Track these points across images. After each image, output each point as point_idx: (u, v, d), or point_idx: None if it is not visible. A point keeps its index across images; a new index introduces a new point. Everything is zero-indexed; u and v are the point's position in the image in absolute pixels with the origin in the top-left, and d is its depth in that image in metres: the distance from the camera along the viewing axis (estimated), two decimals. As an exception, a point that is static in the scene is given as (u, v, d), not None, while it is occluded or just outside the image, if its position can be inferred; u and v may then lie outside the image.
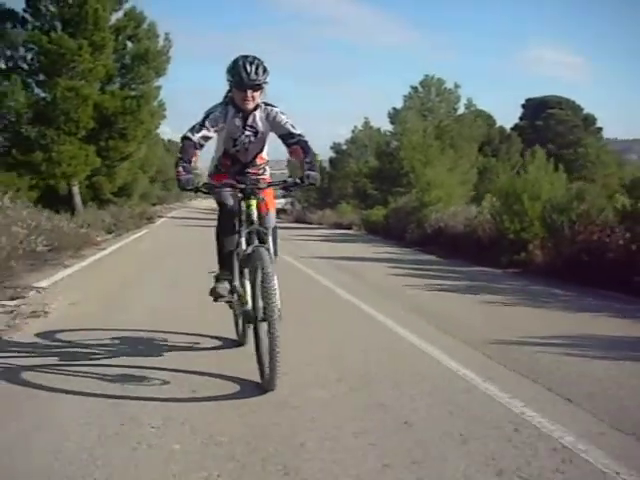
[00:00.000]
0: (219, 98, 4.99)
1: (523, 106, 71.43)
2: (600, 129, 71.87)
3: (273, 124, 4.95)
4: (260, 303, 4.44)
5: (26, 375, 4.66)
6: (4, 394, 4.26)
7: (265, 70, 4.77)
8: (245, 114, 4.92)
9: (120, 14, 19.90)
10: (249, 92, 4.74)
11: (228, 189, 4.90)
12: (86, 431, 3.60)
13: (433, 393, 4.41)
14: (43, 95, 18.66)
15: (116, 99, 19.20)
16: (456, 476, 3.11)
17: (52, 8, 18.49)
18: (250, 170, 5.23)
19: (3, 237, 9.68)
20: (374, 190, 30.49)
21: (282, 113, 4.97)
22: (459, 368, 5.04)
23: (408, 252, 17.68)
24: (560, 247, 11.72)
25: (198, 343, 5.70)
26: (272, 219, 5.11)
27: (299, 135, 4.91)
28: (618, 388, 4.67)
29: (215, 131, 4.90)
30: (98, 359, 5.18)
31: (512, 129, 66.69)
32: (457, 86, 40.62)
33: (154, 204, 50.17)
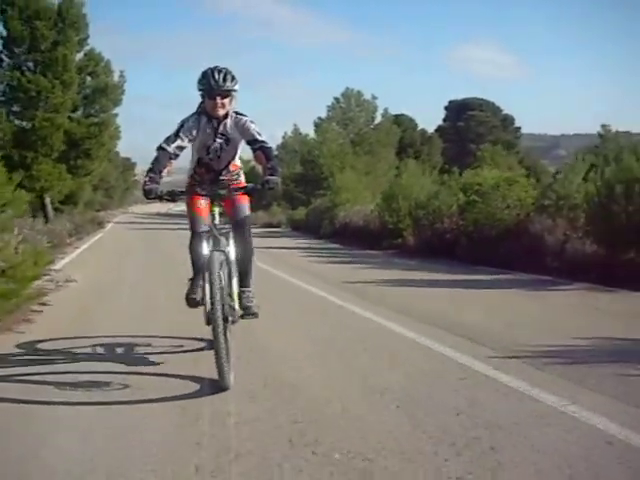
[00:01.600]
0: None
1: (446, 108, 76.06)
2: (518, 128, 77.00)
3: (242, 131, 5.10)
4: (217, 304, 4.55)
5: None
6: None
7: (233, 78, 4.97)
8: (217, 122, 5.08)
9: (81, 54, 24.01)
10: (218, 99, 4.92)
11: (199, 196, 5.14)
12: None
13: (313, 307, 8.26)
14: (23, 124, 22.66)
15: (82, 126, 23.22)
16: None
17: (26, 52, 22.43)
18: (224, 177, 5.40)
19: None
20: (299, 193, 34.78)
21: (251, 122, 5.12)
22: (325, 295, 9.03)
23: (320, 243, 22.15)
24: (421, 233, 16.44)
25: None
26: (243, 209, 5.28)
27: (262, 142, 5.06)
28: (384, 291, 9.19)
29: (189, 141, 5.07)
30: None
31: (435, 130, 71.25)
32: (374, 97, 45.01)
33: (97, 210, 52.20)
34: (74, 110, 23.84)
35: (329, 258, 15.70)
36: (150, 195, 4.77)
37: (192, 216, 5.13)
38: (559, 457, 3.23)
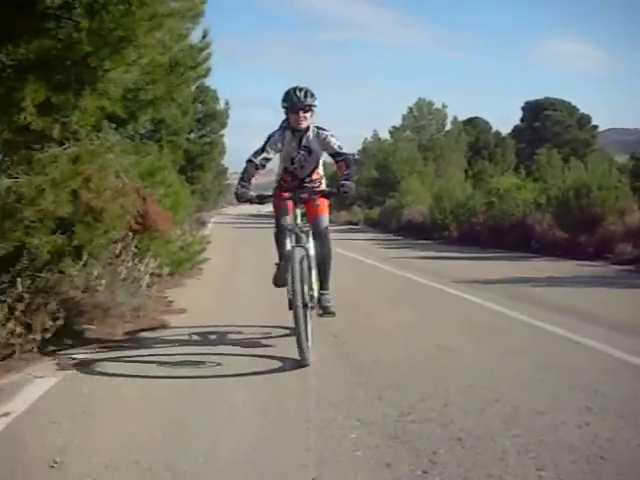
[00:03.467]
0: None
1: (522, 108, 77.08)
2: (596, 127, 78.12)
3: (324, 144, 5.67)
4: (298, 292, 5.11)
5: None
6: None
7: (313, 95, 5.57)
8: (299, 135, 5.66)
9: (194, 88, 29.83)
10: (301, 113, 5.51)
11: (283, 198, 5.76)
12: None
13: (369, 271, 13.38)
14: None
15: (197, 145, 29.05)
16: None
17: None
18: (307, 184, 5.94)
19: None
20: (375, 195, 39.63)
21: (332, 136, 5.69)
22: (376, 264, 14.00)
23: (387, 236, 27.38)
24: (460, 227, 21.23)
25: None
26: (323, 220, 5.85)
27: (345, 154, 5.67)
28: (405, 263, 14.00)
29: (275, 153, 5.65)
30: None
31: (512, 131, 73.42)
32: (444, 106, 49.69)
33: (195, 212, 57.61)
34: (190, 132, 29.59)
35: (389, 245, 20.84)
36: (242, 198, 5.45)
37: (277, 213, 5.80)
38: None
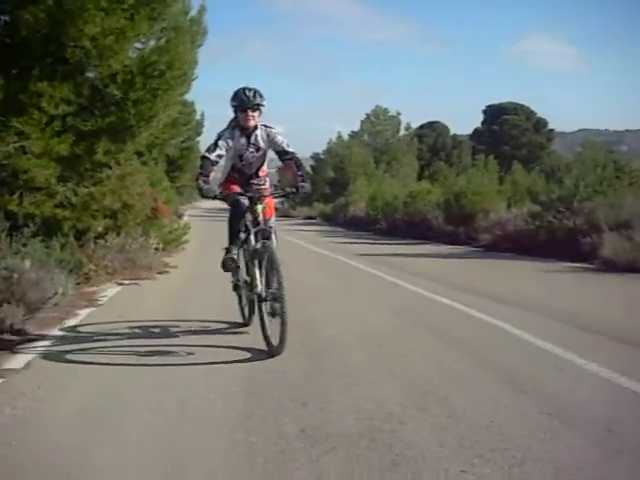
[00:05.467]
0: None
1: (484, 112, 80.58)
2: (552, 130, 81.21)
3: (271, 142, 5.94)
4: (273, 285, 5.45)
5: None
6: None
7: (261, 95, 5.82)
8: (248, 133, 5.91)
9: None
10: (249, 112, 5.77)
11: (241, 196, 5.91)
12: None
13: (309, 253, 18.66)
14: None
15: (177, 149, 34.09)
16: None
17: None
18: (253, 181, 6.20)
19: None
20: (332, 194, 44.84)
21: (279, 134, 5.98)
22: (314, 249, 19.44)
23: (334, 228, 32.91)
24: (387, 220, 26.58)
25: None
26: (273, 222, 6.20)
27: (292, 153, 5.92)
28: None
29: (226, 150, 5.84)
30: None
31: (472, 133, 78.72)
32: (398, 113, 55.01)
33: None
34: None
35: (331, 235, 26.11)
36: (209, 194, 5.66)
37: (235, 207, 5.98)
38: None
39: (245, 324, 6.57)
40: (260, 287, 5.64)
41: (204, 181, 5.67)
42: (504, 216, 17.48)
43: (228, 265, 6.06)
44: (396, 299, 9.07)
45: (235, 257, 6.00)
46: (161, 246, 14.62)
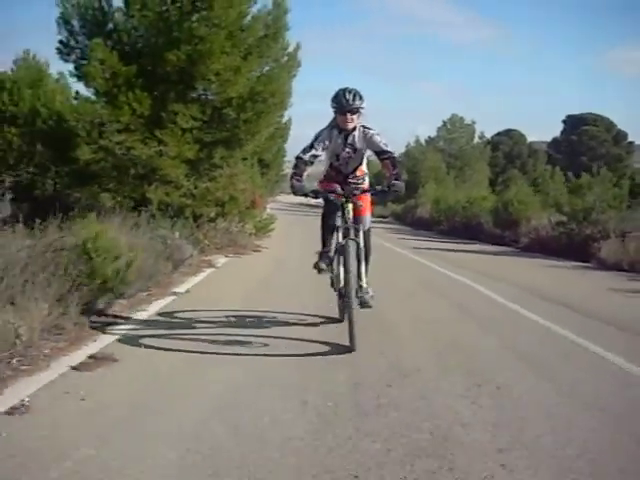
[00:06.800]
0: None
1: (563, 122, 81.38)
2: (631, 143, 79.83)
3: (369, 143, 6.03)
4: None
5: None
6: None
7: (361, 97, 5.86)
8: (346, 134, 6.00)
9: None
10: (348, 115, 5.82)
11: (331, 194, 6.01)
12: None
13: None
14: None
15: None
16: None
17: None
18: (351, 180, 6.32)
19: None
20: (405, 196, 48.02)
21: (377, 134, 6.03)
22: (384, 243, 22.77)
23: (402, 226, 35.92)
24: (449, 222, 29.73)
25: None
26: (367, 221, 6.31)
27: (390, 152, 5.97)
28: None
29: (322, 149, 5.99)
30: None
31: (551, 142, 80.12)
32: (474, 122, 57.57)
33: None
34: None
35: (398, 232, 29.31)
36: (299, 192, 5.90)
37: (330, 204, 6.13)
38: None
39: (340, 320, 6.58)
40: (342, 284, 5.84)
41: (297, 180, 5.90)
42: (540, 223, 20.44)
43: (319, 269, 6.32)
44: (425, 274, 12.47)
45: (324, 266, 6.25)
46: (254, 231, 18.21)
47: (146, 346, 5.67)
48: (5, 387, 4.34)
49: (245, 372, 4.97)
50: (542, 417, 4.21)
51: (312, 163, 6.00)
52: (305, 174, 5.97)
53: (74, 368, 4.89)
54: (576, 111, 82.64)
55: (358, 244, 5.86)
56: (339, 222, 6.02)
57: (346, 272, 5.58)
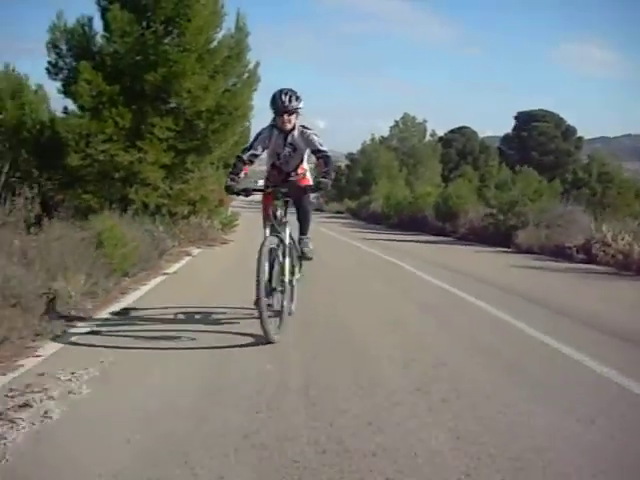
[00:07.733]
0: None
1: (515, 118, 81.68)
2: (580, 138, 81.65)
3: (307, 142, 6.19)
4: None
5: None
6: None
7: (298, 98, 6.04)
8: (285, 134, 6.17)
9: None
10: (285, 116, 6.00)
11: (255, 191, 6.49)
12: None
13: (331, 239, 24.45)
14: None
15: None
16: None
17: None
18: (293, 178, 6.50)
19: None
20: (360, 192, 50.56)
21: (315, 135, 6.20)
22: (336, 235, 25.11)
23: (356, 221, 38.55)
24: (397, 216, 32.33)
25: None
26: (308, 198, 6.60)
27: (324, 152, 6.15)
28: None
29: (262, 149, 6.21)
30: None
31: (503, 138, 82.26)
32: (425, 121, 60.52)
33: None
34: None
35: (352, 226, 31.83)
36: (229, 191, 6.17)
37: (263, 204, 6.49)
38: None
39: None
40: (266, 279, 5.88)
41: (231, 179, 6.11)
42: (476, 215, 23.10)
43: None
44: (367, 258, 14.96)
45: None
46: (221, 227, 20.49)
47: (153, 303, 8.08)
48: (74, 324, 6.67)
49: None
50: (432, 349, 6.04)
51: (252, 162, 6.23)
52: (242, 174, 6.21)
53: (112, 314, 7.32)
54: (530, 107, 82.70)
55: (281, 239, 6.13)
56: (271, 219, 6.23)
57: (258, 271, 5.64)
